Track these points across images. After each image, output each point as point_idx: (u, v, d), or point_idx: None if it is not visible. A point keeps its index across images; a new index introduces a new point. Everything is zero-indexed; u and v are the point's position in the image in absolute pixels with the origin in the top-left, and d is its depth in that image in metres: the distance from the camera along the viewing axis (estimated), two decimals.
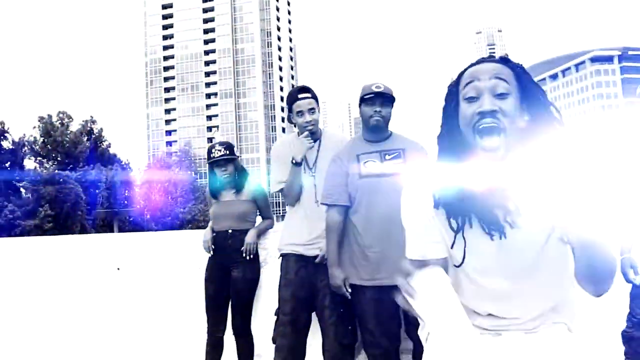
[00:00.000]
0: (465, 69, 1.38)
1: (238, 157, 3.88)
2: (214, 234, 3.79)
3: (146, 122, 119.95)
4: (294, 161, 3.10)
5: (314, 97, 3.20)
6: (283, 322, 3.14)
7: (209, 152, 3.77)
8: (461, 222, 1.38)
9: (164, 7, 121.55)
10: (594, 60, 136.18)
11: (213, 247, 3.76)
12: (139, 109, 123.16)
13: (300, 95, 3.16)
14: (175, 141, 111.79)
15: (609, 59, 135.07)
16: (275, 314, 3.33)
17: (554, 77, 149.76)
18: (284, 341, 3.11)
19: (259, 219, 3.94)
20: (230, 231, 3.74)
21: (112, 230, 49.50)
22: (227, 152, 3.72)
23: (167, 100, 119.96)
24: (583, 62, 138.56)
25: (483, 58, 1.39)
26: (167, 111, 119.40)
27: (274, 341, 3.24)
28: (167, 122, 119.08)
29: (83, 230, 49.49)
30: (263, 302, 3.84)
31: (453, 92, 1.36)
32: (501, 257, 1.39)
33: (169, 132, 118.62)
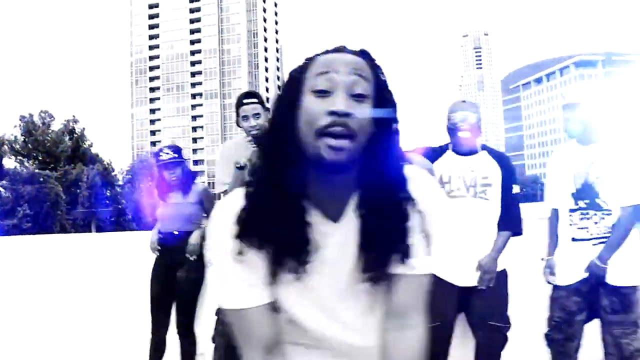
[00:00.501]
0: (317, 55, 1.09)
1: (186, 160, 3.95)
2: (160, 235, 3.85)
3: (130, 121, 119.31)
4: (237, 165, 3.08)
5: (260, 102, 3.24)
6: (221, 322, 3.18)
7: (157, 154, 3.83)
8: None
9: (150, 6, 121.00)
10: (578, 64, 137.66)
11: (159, 248, 3.83)
12: (124, 108, 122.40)
13: (245, 100, 3.22)
14: (160, 141, 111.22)
15: (592, 64, 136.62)
16: (215, 314, 3.34)
17: (539, 80, 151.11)
18: (222, 340, 3.17)
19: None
20: (176, 232, 3.80)
21: (90, 231, 49.16)
22: (176, 155, 3.78)
23: (152, 100, 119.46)
24: (567, 67, 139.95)
25: (342, 47, 1.11)
26: (152, 111, 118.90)
27: (213, 340, 3.30)
28: (152, 122, 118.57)
29: (63, 230, 49.03)
30: (208, 302, 3.85)
31: (296, 80, 1.06)
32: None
33: (153, 132, 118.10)
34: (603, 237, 3.00)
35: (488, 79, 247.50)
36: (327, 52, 1.08)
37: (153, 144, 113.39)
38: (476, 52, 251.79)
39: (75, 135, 61.26)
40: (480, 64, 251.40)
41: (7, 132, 57.22)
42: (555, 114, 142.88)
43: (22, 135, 57.27)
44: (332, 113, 0.97)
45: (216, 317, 3.34)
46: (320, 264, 1.03)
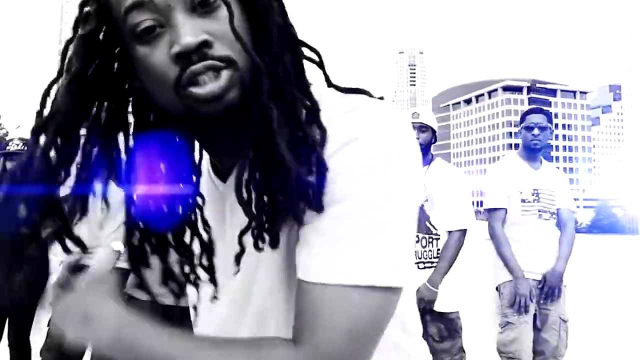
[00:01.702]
0: None
1: None
2: None
3: None
4: None
5: None
6: (51, 334, 2.94)
7: (4, 145, 3.28)
8: None
9: None
10: (505, 89, 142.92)
11: None
12: None
13: None
14: None
15: (519, 89, 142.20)
16: (47, 325, 3.03)
17: (468, 101, 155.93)
18: (49, 355, 2.92)
19: None
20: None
21: None
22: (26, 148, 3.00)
23: None
24: (495, 90, 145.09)
25: None
26: None
27: (40, 354, 2.99)
28: None
29: None
30: (49, 311, 3.38)
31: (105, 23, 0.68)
32: None
33: None
34: (431, 261, 3.03)
35: (420, 97, 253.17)
36: None
37: None
38: (411, 69, 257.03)
39: None
40: (414, 81, 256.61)
41: None
42: (481, 135, 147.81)
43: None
44: (180, 56, 0.63)
45: (47, 328, 3.02)
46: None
